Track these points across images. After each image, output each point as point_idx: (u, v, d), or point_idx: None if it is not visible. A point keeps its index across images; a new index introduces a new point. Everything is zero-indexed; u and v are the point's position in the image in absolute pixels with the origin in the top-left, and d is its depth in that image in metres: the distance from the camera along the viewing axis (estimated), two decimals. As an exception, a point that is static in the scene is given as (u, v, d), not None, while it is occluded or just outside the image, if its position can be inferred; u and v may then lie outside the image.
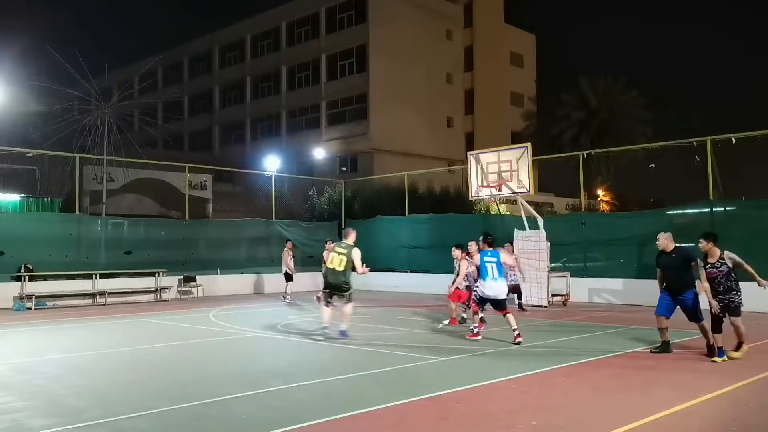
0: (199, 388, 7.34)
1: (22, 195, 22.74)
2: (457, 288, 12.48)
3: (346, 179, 29.30)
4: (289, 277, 18.89)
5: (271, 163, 25.94)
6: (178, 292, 20.33)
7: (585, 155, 19.67)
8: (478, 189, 17.86)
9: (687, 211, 17.54)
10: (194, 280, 20.68)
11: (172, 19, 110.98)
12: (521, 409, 6.41)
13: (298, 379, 7.68)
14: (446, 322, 12.78)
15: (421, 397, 6.75)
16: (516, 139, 42.89)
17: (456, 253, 12.74)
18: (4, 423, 5.95)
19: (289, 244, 19.43)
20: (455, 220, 22.41)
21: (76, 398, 6.96)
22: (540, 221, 17.23)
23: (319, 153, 36.86)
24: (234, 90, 51.56)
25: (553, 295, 16.90)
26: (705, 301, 8.86)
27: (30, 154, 21.72)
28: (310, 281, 21.27)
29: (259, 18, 48.97)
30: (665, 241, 9.32)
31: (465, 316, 12.91)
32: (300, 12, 46.09)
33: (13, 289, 17.22)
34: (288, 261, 18.96)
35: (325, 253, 14.94)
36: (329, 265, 10.99)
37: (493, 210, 24.97)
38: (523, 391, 7.15)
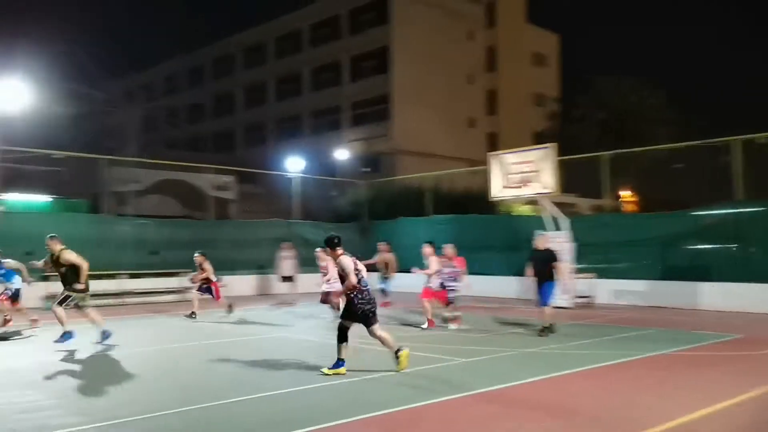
0: (226, 387, 7.42)
1: (52, 196, 23.13)
2: (430, 288, 12.39)
3: (369, 180, 29.30)
4: (287, 279, 18.54)
5: (294, 164, 26.05)
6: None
7: (609, 156, 19.48)
8: (500, 190, 17.78)
9: (712, 212, 17.25)
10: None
11: (195, 22, 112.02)
12: (541, 410, 6.38)
13: (307, 382, 7.70)
14: (425, 326, 12.31)
15: (434, 401, 6.75)
16: (539, 139, 42.56)
17: (427, 250, 12.66)
18: (33, 421, 6.08)
19: (284, 246, 19.00)
20: (477, 221, 22.29)
21: (103, 397, 7.09)
22: (564, 222, 17.11)
23: (342, 154, 36.91)
24: (256, 92, 51.92)
25: (577, 297, 16.76)
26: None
27: (58, 156, 22.10)
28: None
29: (281, 20, 49.27)
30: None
31: (447, 314, 12.61)
32: (322, 14, 46.32)
33: (43, 288, 17.50)
34: (282, 263, 18.55)
35: (379, 257, 14.98)
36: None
37: (516, 211, 24.81)
38: (543, 393, 7.12)
